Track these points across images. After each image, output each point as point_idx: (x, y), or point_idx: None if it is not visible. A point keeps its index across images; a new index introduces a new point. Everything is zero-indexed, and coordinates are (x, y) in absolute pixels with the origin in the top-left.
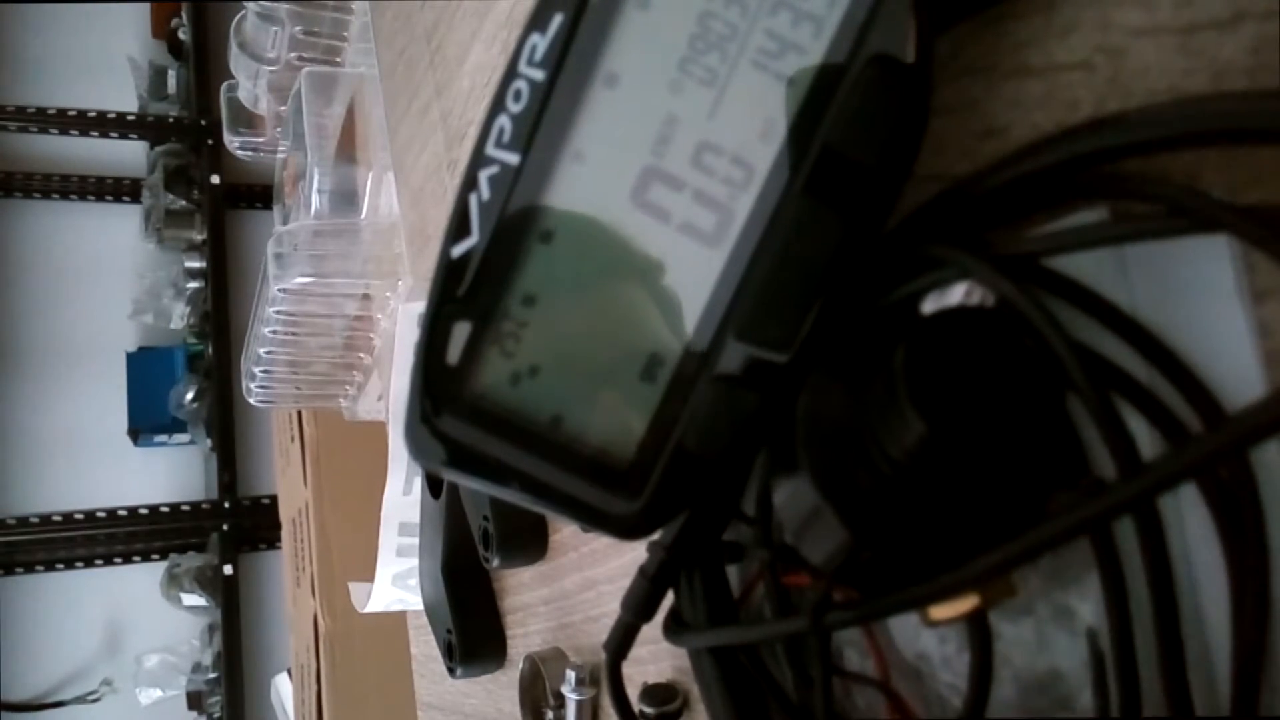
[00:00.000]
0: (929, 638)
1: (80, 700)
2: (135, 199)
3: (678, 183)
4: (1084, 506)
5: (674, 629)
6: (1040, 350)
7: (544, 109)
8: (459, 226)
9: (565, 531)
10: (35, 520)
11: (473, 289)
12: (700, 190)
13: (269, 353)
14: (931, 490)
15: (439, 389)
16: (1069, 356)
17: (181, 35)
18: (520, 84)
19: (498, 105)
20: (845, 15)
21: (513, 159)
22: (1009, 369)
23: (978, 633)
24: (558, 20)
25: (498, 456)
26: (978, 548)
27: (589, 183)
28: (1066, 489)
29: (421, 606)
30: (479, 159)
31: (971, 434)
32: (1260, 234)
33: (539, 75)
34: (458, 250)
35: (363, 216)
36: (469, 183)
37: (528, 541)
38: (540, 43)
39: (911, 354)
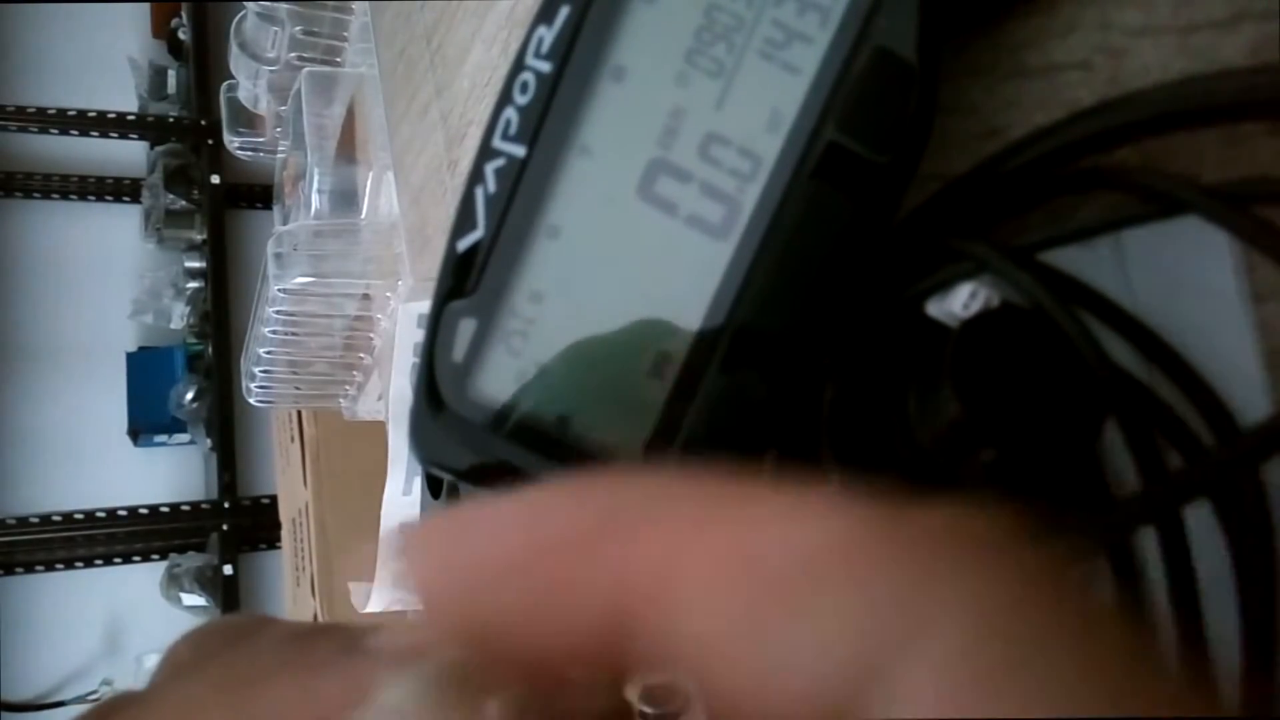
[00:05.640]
0: None
1: (80, 700)
2: (135, 199)
3: (685, 175)
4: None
5: None
6: (1086, 367)
7: (550, 102)
8: (465, 219)
9: None
10: (35, 520)
11: (479, 284)
12: (707, 182)
13: (269, 353)
14: (956, 482)
15: (444, 387)
16: (1099, 363)
17: (181, 35)
18: (527, 76)
19: (505, 97)
20: (850, 4)
21: (519, 151)
22: (1055, 376)
23: None
24: (564, 12)
25: (503, 457)
26: None
27: (596, 176)
28: (1081, 510)
29: None
30: (485, 151)
31: (1005, 427)
32: (1220, 209)
33: (546, 67)
34: (463, 244)
35: (363, 216)
36: (475, 175)
37: None
38: (547, 35)
39: (963, 341)
